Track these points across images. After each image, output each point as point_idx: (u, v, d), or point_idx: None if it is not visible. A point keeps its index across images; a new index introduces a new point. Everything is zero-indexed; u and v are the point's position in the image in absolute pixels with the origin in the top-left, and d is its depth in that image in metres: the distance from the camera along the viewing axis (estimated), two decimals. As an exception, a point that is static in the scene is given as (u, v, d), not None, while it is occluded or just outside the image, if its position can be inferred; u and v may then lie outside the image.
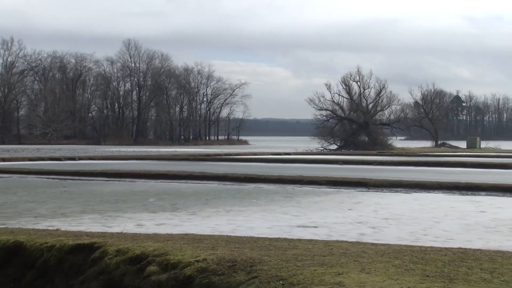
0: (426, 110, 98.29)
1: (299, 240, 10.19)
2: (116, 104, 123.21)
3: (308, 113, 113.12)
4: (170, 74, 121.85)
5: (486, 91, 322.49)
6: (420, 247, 9.29)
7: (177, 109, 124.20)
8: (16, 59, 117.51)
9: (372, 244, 9.70)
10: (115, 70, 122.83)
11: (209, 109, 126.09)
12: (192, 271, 7.78)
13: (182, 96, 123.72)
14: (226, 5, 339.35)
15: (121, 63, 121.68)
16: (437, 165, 40.75)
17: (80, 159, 47.96)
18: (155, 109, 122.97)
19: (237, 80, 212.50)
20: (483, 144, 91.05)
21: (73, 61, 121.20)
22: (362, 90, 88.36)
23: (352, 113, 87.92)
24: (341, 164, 41.72)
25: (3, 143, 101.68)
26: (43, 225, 13.52)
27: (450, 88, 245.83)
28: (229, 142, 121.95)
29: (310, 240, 10.21)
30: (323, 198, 20.20)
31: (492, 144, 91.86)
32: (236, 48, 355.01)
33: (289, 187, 24.42)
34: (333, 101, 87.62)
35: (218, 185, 25.28)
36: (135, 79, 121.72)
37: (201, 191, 22.30)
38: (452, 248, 9.26)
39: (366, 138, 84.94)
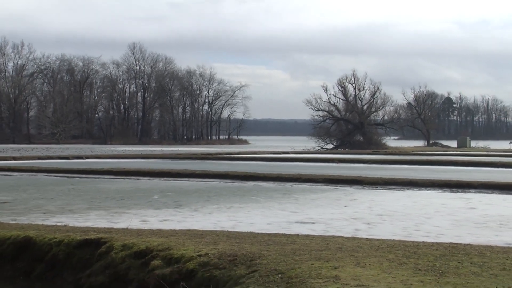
0: (419, 111, 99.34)
1: (297, 235, 10.37)
2: (122, 105, 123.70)
3: (306, 114, 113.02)
4: (174, 77, 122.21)
5: (476, 93, 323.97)
6: (413, 242, 9.49)
7: (180, 110, 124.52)
8: (26, 62, 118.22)
9: (367, 239, 9.90)
10: (120, 73, 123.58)
11: (210, 110, 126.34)
12: (195, 265, 8.00)
13: (185, 98, 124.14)
14: (226, 11, 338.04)
15: (126, 66, 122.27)
16: (429, 163, 40.76)
17: (87, 158, 47.98)
18: (159, 110, 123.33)
19: (238, 82, 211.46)
20: (473, 143, 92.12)
21: (81, 64, 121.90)
22: (357, 92, 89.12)
23: (347, 113, 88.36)
24: (337, 163, 41.85)
25: (14, 143, 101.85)
26: (51, 221, 13.71)
27: (442, 90, 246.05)
28: (230, 141, 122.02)
29: (308, 236, 10.41)
30: (320, 195, 20.31)
31: (481, 143, 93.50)
32: (236, 52, 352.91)
33: (287, 184, 24.46)
34: (330, 102, 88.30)
35: (219, 182, 25.38)
36: (140, 81, 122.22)
37: (203, 189, 22.42)
38: (443, 243, 9.47)
39: (361, 138, 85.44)
